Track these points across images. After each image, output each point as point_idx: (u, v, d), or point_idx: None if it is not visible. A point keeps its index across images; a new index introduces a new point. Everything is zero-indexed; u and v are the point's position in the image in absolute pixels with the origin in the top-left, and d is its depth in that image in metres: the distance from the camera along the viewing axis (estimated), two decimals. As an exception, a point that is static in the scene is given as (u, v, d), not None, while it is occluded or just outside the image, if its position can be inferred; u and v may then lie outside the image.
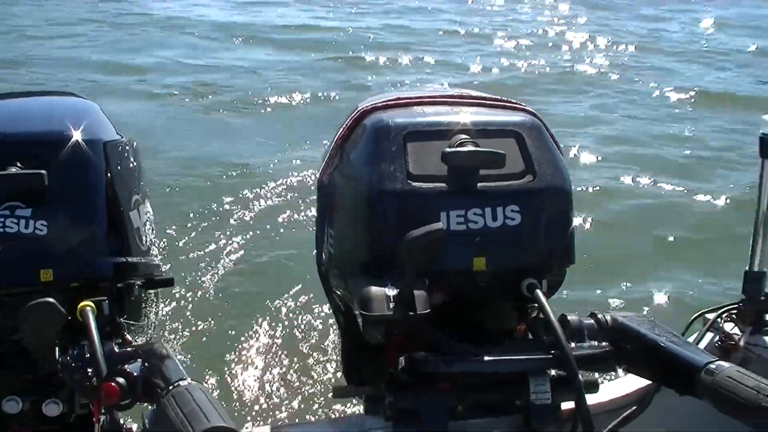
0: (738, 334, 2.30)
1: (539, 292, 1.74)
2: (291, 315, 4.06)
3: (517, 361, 1.67)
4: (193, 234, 4.87)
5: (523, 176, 1.85)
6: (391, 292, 1.62)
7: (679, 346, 1.67)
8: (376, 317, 1.60)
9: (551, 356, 1.65)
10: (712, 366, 1.58)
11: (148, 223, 2.13)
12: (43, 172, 1.77)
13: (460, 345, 1.70)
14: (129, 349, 1.75)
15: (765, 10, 14.57)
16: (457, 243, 1.74)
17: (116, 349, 1.72)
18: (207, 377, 3.63)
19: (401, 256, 1.64)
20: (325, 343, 3.82)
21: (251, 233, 4.98)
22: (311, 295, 4.14)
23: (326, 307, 3.82)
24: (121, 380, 1.58)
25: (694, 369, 1.61)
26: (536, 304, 1.79)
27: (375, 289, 1.63)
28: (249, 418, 3.53)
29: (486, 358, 1.67)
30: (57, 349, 1.66)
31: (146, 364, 1.64)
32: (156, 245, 2.24)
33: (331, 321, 3.82)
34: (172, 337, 3.74)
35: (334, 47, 10.99)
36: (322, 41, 11.27)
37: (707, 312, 2.35)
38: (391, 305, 1.61)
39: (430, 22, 13.15)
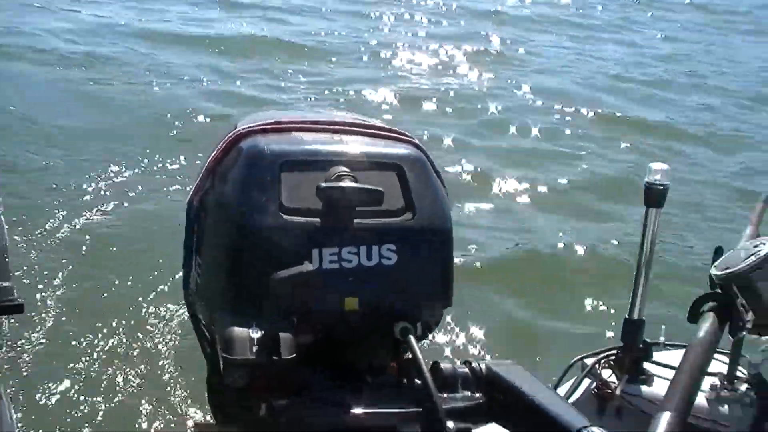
0: (615, 382, 2.30)
1: (412, 338, 1.68)
2: (154, 342, 3.87)
3: (386, 415, 1.59)
4: (48, 251, 4.59)
5: (402, 213, 1.78)
6: (255, 334, 1.52)
7: (553, 404, 1.61)
8: (238, 361, 1.50)
9: (422, 409, 1.57)
10: None
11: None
12: None
13: (328, 393, 1.61)
14: None
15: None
16: (329, 282, 1.64)
17: None
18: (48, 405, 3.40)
19: (269, 295, 1.54)
20: (191, 376, 3.64)
21: (113, 249, 4.78)
22: (177, 319, 3.97)
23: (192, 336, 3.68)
24: None
25: None
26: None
27: (238, 330, 1.53)
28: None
29: (353, 410, 1.58)
30: None
31: None
32: (10, 269, 2.06)
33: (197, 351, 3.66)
34: (20, 363, 3.47)
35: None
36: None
37: (586, 357, 2.36)
38: (255, 348, 1.51)
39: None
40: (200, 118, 7.44)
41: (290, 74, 9.48)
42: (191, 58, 9.58)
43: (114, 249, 4.84)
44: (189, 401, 3.56)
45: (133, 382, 3.66)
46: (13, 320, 2.39)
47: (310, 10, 13.50)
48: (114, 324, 4.04)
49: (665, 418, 1.51)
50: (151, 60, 9.25)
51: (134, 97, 7.86)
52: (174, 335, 3.93)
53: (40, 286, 4.19)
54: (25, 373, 3.54)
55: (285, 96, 8.54)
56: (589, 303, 5.10)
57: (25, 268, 4.31)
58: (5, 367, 3.37)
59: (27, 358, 3.59)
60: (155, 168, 6.19)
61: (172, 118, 7.30)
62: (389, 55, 11.16)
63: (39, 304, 4.03)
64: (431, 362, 1.67)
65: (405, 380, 1.77)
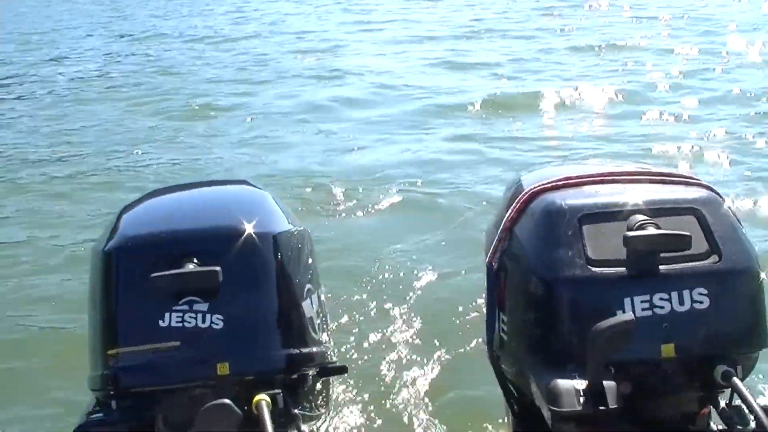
0: None
1: (737, 381, 1.64)
2: (461, 399, 3.99)
3: None
4: (362, 315, 4.88)
5: (708, 257, 1.77)
6: (580, 385, 1.57)
7: None
8: (567, 413, 1.55)
9: None
10: None
11: (320, 310, 2.16)
12: (217, 269, 1.85)
13: None
14: None
15: None
16: (643, 330, 1.66)
17: None
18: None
19: (588, 346, 1.58)
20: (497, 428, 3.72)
21: (420, 309, 4.96)
22: (480, 376, 4.07)
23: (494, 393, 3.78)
24: None
25: None
26: (726, 391, 1.70)
27: (563, 383, 1.58)
28: None
29: None
30: None
31: None
32: (328, 331, 2.26)
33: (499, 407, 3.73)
34: (348, 424, 3.73)
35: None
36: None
37: None
38: (581, 399, 1.55)
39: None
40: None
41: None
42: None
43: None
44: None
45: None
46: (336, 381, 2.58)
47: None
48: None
49: None
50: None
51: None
52: (476, 392, 4.03)
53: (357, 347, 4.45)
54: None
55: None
56: None
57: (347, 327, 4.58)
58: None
59: (352, 413, 3.83)
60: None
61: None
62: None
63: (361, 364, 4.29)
64: (761, 406, 1.62)
65: (726, 426, 1.73)
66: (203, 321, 1.83)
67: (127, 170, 8.37)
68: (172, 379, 1.83)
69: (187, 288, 1.84)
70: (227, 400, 1.70)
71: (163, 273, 1.81)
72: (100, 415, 1.83)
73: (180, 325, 1.82)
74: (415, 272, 5.45)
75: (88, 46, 17.41)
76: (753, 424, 1.63)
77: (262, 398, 1.75)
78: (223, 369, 1.82)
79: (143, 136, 9.78)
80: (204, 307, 1.85)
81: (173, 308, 1.83)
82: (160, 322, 1.83)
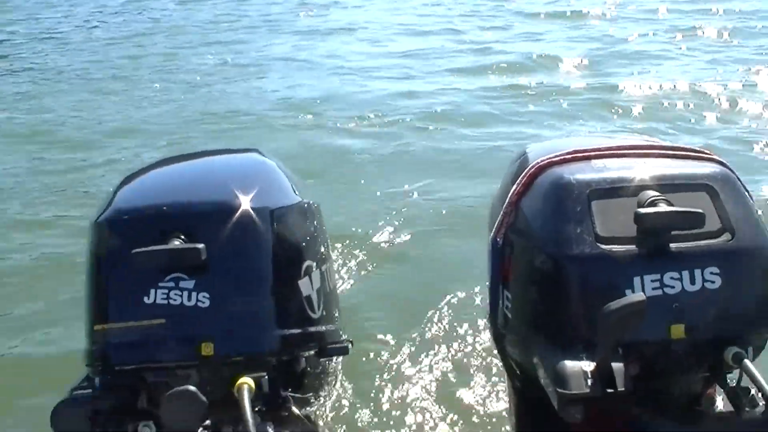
0: None
1: (748, 363, 1.60)
2: (464, 381, 3.95)
3: None
4: (365, 294, 4.83)
5: (720, 234, 1.71)
6: (588, 367, 1.52)
7: None
8: (575, 395, 1.50)
9: None
10: None
11: (323, 288, 2.10)
12: (200, 246, 1.79)
13: (664, 423, 1.57)
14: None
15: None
16: (652, 310, 1.61)
17: (269, 430, 1.69)
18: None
19: (598, 327, 1.53)
20: (497, 406, 3.69)
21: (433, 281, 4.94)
22: (485, 356, 4.04)
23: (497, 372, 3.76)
24: None
25: None
26: (734, 372, 1.67)
27: (570, 364, 1.54)
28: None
29: None
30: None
31: None
32: (335, 310, 2.20)
33: (503, 385, 3.69)
34: (347, 406, 3.69)
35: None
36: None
37: None
38: (589, 381, 1.50)
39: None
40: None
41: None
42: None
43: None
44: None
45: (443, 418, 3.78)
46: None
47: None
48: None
49: None
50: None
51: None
52: (479, 372, 4.00)
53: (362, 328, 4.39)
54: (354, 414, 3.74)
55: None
56: None
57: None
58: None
59: (354, 395, 3.79)
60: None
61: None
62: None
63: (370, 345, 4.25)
64: None
65: (733, 407, 1.70)
66: (189, 299, 1.78)
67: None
68: (156, 358, 1.79)
69: (169, 265, 1.79)
70: (191, 387, 1.65)
71: (143, 249, 1.76)
72: (82, 391, 1.80)
73: (165, 302, 1.77)
74: (422, 242, 5.46)
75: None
76: (762, 406, 1.60)
77: (245, 381, 1.69)
78: (207, 349, 1.77)
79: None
80: (190, 284, 1.79)
81: (159, 285, 1.78)
82: (146, 298, 1.78)
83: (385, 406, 3.77)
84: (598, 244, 1.67)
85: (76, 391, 1.80)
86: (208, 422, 1.69)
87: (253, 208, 1.88)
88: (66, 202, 6.62)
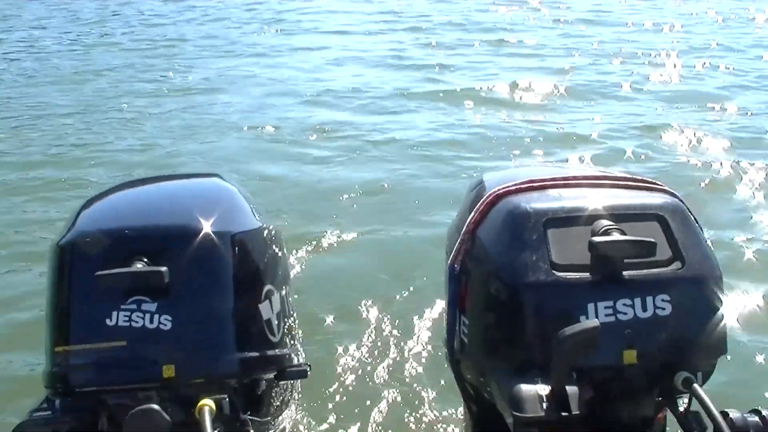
0: None
1: (698, 388, 1.65)
2: (421, 404, 3.97)
3: None
4: (328, 316, 4.84)
5: (671, 263, 1.77)
6: (543, 391, 1.56)
7: None
8: (530, 419, 1.53)
9: None
10: None
11: (283, 312, 2.11)
12: (163, 269, 1.80)
13: None
14: None
15: None
16: (606, 336, 1.65)
17: None
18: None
19: (553, 352, 1.57)
20: (454, 429, 3.72)
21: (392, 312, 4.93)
22: (441, 380, 4.06)
23: (453, 396, 3.76)
24: None
25: None
26: (684, 396, 1.71)
27: (526, 388, 1.57)
28: None
29: None
30: None
31: None
32: (294, 334, 2.21)
33: (459, 409, 3.71)
34: (306, 429, 3.68)
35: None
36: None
37: None
38: (545, 405, 1.54)
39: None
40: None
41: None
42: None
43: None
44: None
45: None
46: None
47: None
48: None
49: None
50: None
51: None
52: (438, 398, 4.02)
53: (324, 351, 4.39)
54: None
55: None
56: None
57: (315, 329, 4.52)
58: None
59: (311, 419, 3.78)
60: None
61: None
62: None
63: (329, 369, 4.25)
64: (719, 411, 1.63)
65: (683, 431, 1.74)
66: (151, 321, 1.79)
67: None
68: (118, 380, 1.79)
69: (132, 288, 1.79)
70: (155, 406, 1.66)
71: (106, 272, 1.77)
72: (42, 414, 1.78)
73: (127, 324, 1.78)
74: (382, 269, 5.48)
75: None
76: (710, 430, 1.64)
77: (206, 403, 1.70)
78: (168, 371, 1.77)
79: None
80: (152, 307, 1.80)
81: (121, 307, 1.78)
82: (108, 320, 1.78)
83: (342, 430, 3.77)
84: (554, 272, 1.71)
85: (35, 413, 1.78)
86: None
87: (214, 232, 1.89)
88: (26, 223, 6.53)
